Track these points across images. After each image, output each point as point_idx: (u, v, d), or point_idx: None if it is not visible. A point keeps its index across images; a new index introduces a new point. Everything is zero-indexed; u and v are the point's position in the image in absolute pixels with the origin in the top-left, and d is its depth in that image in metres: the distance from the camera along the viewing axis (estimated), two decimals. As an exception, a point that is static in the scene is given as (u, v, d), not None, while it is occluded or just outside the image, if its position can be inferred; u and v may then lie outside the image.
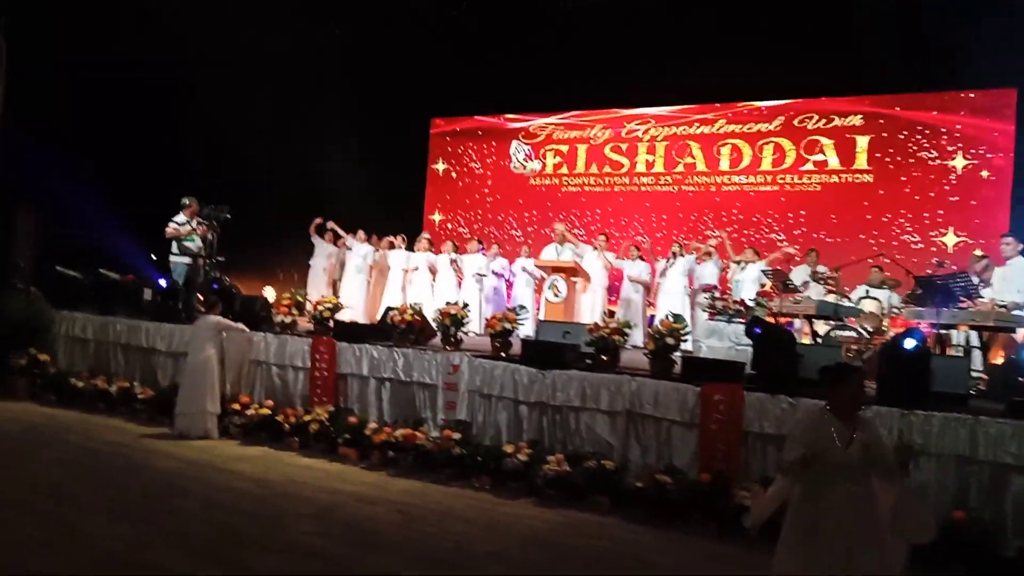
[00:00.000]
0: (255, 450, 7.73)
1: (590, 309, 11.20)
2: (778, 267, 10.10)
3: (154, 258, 11.60)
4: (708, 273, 11.00)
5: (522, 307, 9.45)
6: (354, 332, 8.49)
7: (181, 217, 10.24)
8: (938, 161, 12.23)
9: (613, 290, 12.06)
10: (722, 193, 13.76)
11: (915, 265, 10.27)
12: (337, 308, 9.05)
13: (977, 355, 7.65)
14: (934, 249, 11.83)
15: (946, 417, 5.47)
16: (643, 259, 11.71)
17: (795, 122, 13.25)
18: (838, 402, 3.72)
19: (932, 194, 12.20)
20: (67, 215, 12.40)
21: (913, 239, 12.24)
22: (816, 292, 9.55)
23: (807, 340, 8.72)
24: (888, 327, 8.67)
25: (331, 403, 8.03)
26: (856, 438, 3.61)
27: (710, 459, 6.11)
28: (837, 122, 12.97)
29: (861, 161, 12.76)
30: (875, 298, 9.06)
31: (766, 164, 13.43)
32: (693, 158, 14.02)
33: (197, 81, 13.62)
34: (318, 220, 12.98)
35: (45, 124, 12.39)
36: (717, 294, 9.58)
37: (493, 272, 12.40)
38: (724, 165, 13.76)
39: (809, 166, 13.11)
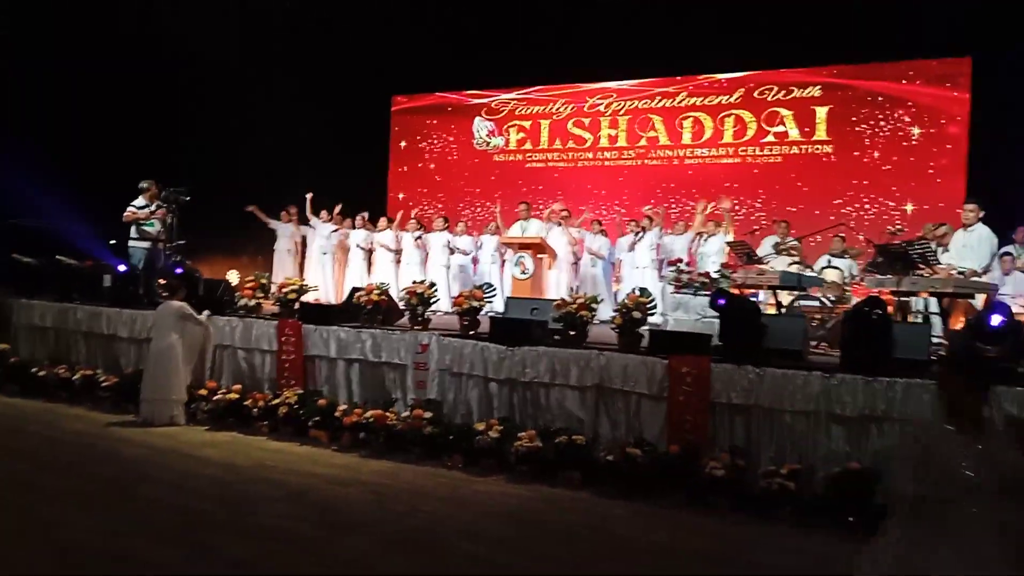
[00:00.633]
0: (224, 435, 7.64)
1: (555, 285, 11.23)
2: (743, 239, 10.17)
3: (112, 243, 11.37)
4: (678, 247, 11.06)
5: (489, 284, 9.42)
6: (320, 314, 8.40)
7: (140, 201, 10.07)
8: (896, 130, 12.41)
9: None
10: (685, 166, 13.83)
11: (875, 233, 10.43)
12: (303, 290, 8.92)
13: (937, 321, 7.79)
14: (896, 215, 12.02)
15: (908, 383, 5.56)
16: (604, 234, 11.74)
17: (755, 94, 13.33)
18: None
19: (890, 164, 12.39)
20: (20, 201, 12.10)
21: (872, 208, 12.42)
22: (780, 263, 9.64)
23: (772, 311, 8.82)
24: (850, 295, 8.80)
25: (300, 386, 7.95)
26: None
27: (679, 431, 6.16)
28: (796, 93, 13.09)
29: (820, 132, 12.91)
30: (837, 267, 9.20)
31: (728, 136, 13.53)
32: (655, 131, 14.06)
33: (151, 61, 13.34)
34: (310, 195, 13.05)
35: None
36: (683, 267, 9.63)
37: (459, 249, 12.36)
38: (686, 138, 13.82)
39: (770, 138, 13.23)
